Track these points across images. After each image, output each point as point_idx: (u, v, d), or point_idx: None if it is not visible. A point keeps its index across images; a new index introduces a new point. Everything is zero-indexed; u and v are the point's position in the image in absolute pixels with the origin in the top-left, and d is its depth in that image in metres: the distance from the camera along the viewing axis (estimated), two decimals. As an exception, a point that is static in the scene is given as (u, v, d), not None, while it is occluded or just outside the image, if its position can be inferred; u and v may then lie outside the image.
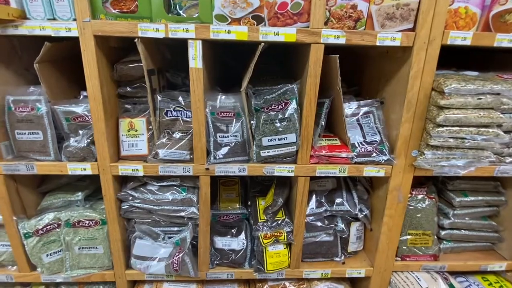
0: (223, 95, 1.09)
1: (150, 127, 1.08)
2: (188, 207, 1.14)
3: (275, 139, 1.02)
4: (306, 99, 0.99)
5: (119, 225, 1.11)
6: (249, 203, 1.36)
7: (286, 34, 0.92)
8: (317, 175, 1.07)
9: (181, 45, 0.98)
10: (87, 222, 1.10)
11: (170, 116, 1.07)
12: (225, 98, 1.09)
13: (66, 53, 1.07)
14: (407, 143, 1.07)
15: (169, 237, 1.20)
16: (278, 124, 1.01)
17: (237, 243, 1.23)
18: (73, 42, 0.92)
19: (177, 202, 1.12)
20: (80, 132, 1.05)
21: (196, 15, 0.97)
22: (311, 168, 1.07)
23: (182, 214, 1.13)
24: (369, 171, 1.08)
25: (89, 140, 1.02)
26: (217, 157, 1.05)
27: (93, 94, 0.95)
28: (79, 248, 1.12)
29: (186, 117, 1.08)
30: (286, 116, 1.01)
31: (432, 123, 1.02)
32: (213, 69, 1.23)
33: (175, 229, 1.20)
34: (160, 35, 0.91)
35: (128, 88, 1.07)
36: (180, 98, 1.09)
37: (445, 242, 1.32)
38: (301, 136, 1.03)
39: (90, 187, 1.24)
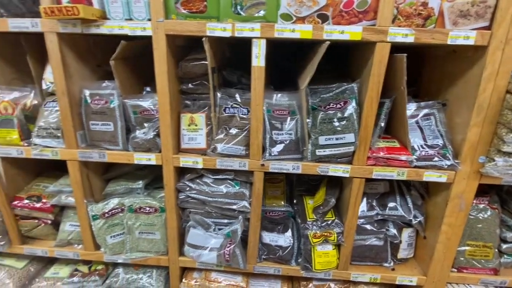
0: (278, 93, 1.10)
1: (209, 122, 1.13)
2: (240, 201, 1.17)
3: (332, 139, 1.01)
4: (367, 99, 0.97)
5: (176, 214, 1.17)
6: (294, 201, 1.37)
7: (352, 32, 0.91)
8: (373, 177, 1.05)
9: (238, 44, 1.01)
10: (148, 209, 1.18)
11: (228, 113, 1.11)
12: (280, 96, 1.11)
13: (133, 51, 1.15)
14: (474, 148, 1.00)
15: (219, 229, 1.25)
16: (337, 124, 1.00)
17: (283, 239, 1.24)
18: (139, 41, 0.99)
19: (230, 195, 1.16)
20: (146, 125, 1.12)
21: (256, 14, 0.99)
22: (368, 169, 1.04)
23: (234, 207, 1.17)
24: (430, 176, 1.04)
25: (155, 133, 1.09)
26: (272, 154, 1.06)
27: (162, 90, 1.02)
28: (139, 233, 1.20)
29: (242, 114, 1.11)
30: (345, 115, 1.00)
31: (505, 128, 0.95)
32: (267, 67, 1.25)
33: (225, 221, 1.25)
34: (227, 34, 0.94)
35: (190, 85, 1.13)
36: (237, 96, 1.13)
37: (506, 256, 1.23)
38: (359, 136, 1.01)
39: (148, 176, 1.32)
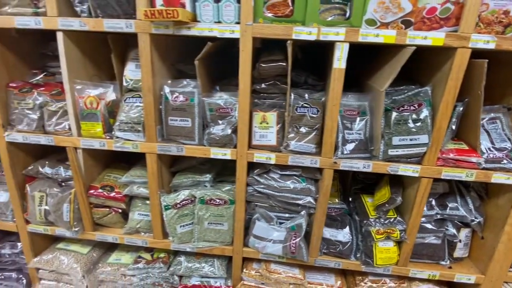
0: (349, 94, 1.15)
1: (279, 120, 1.19)
2: (306, 196, 1.23)
3: (406, 139, 1.05)
4: (443, 102, 1.01)
5: (244, 207, 1.24)
6: (350, 199, 1.42)
7: (434, 38, 0.95)
8: (442, 177, 1.09)
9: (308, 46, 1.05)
10: (218, 200, 1.25)
11: (299, 112, 1.16)
12: (351, 96, 1.16)
13: (210, 52, 1.22)
14: (545, 152, 1.03)
15: (280, 222, 1.31)
16: (412, 125, 1.04)
17: (342, 235, 1.30)
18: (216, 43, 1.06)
19: (297, 190, 1.22)
20: (220, 122, 1.19)
21: (330, 18, 1.04)
22: (437, 170, 1.09)
23: (299, 202, 1.23)
24: (498, 178, 1.07)
25: (231, 129, 1.16)
26: (344, 152, 1.12)
27: (244, 89, 1.08)
28: (208, 223, 1.27)
29: (312, 113, 1.16)
30: (420, 117, 1.04)
31: None
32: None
33: (286, 215, 1.31)
34: (312, 37, 0.99)
35: (263, 84, 1.18)
36: (306, 96, 1.18)
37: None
38: (432, 137, 1.05)
39: (212, 170, 1.39)
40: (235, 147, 1.17)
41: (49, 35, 1.40)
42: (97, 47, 1.30)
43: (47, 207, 1.34)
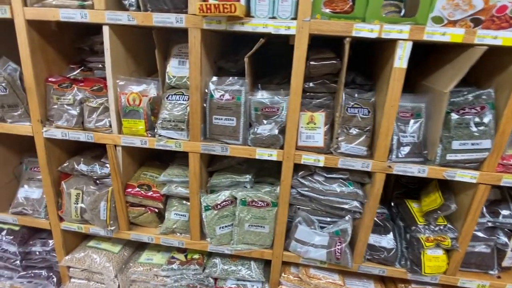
0: (404, 94, 1.11)
1: (327, 121, 1.14)
2: (352, 201, 1.19)
3: (467, 144, 1.01)
4: (508, 105, 0.96)
5: (287, 209, 1.20)
6: (392, 204, 1.38)
7: (505, 38, 0.90)
8: (501, 184, 1.04)
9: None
10: (260, 202, 1.21)
11: (350, 113, 1.12)
12: (405, 97, 1.11)
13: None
14: None
15: (321, 226, 1.27)
16: (474, 129, 1.00)
17: (386, 241, 1.25)
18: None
19: (343, 194, 1.18)
20: (265, 121, 1.15)
21: (383, 15, 0.99)
22: (497, 176, 1.04)
23: (345, 206, 1.19)
24: (563, 186, 1.02)
25: (279, 129, 1.12)
26: (399, 156, 1.07)
27: (296, 89, 1.04)
28: (249, 225, 1.24)
29: (363, 114, 1.12)
30: (483, 120, 0.99)
31: None
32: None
33: (327, 219, 1.27)
34: (373, 35, 0.95)
35: (311, 83, 1.14)
36: (356, 95, 1.14)
37: None
38: (494, 142, 1.00)
39: (251, 171, 1.35)
40: (281, 147, 1.14)
41: (87, 30, 1.39)
42: (138, 42, 1.27)
43: (83, 205, 1.32)
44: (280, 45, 1.34)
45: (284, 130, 1.13)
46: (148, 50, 1.27)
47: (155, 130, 1.18)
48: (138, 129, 1.18)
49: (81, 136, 1.22)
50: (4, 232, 1.48)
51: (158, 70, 1.20)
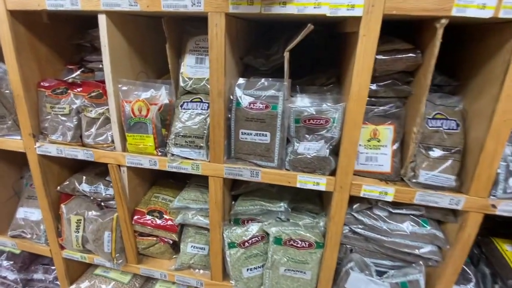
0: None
1: (396, 137, 0.84)
2: (426, 245, 0.88)
3: None
4: None
5: (336, 252, 0.92)
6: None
7: None
8: None
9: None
10: (300, 242, 0.93)
11: (431, 127, 0.80)
12: None
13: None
14: None
15: (378, 271, 0.98)
16: None
17: (469, 295, 0.94)
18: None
19: (415, 236, 0.87)
20: (307, 136, 0.86)
21: None
22: None
23: (416, 252, 0.88)
24: None
25: (329, 149, 0.83)
26: (508, 191, 0.75)
27: (359, 93, 0.73)
28: (284, 270, 0.97)
29: (449, 128, 0.80)
30: None
31: None
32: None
33: (388, 262, 0.97)
34: (487, 13, 0.63)
35: (374, 86, 0.83)
36: (438, 102, 0.82)
37: None
38: None
39: (284, 196, 1.07)
40: (331, 173, 0.85)
41: (87, 22, 1.16)
42: (145, 37, 1.02)
43: (85, 234, 1.11)
44: (319, 34, 1.04)
45: (336, 150, 0.84)
46: (158, 46, 1.02)
47: (167, 148, 0.93)
48: (146, 146, 0.93)
49: (79, 154, 0.99)
50: (3, 256, 1.32)
51: (170, 71, 0.94)
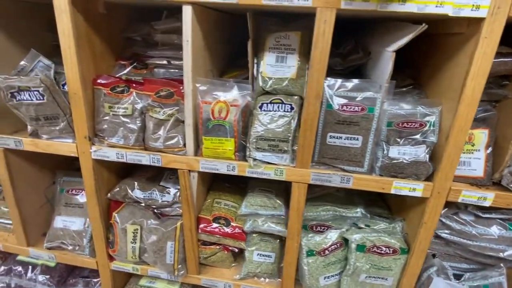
0: None
1: (489, 142, 0.83)
2: (510, 247, 0.88)
3: None
4: None
5: (423, 258, 0.90)
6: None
7: None
8: None
9: None
10: (384, 249, 0.91)
11: (528, 130, 0.80)
12: None
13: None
14: None
15: (455, 274, 0.97)
16: None
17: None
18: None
19: (503, 239, 0.87)
20: (399, 141, 0.83)
21: None
22: None
23: (500, 254, 0.89)
24: None
25: (429, 154, 0.80)
26: None
27: (472, 97, 0.71)
28: (366, 277, 0.94)
29: (543, 133, 0.80)
30: None
31: None
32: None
33: (463, 265, 0.97)
34: None
35: (470, 88, 0.82)
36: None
37: None
38: None
39: (354, 199, 1.05)
40: (426, 179, 0.82)
41: (139, 14, 1.07)
42: (213, 31, 0.94)
43: (143, 245, 1.02)
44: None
45: (432, 155, 0.82)
46: (221, 42, 0.95)
47: (247, 152, 0.87)
48: (225, 150, 0.86)
49: (144, 159, 0.91)
50: (37, 270, 1.20)
51: (249, 69, 0.88)
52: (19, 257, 1.23)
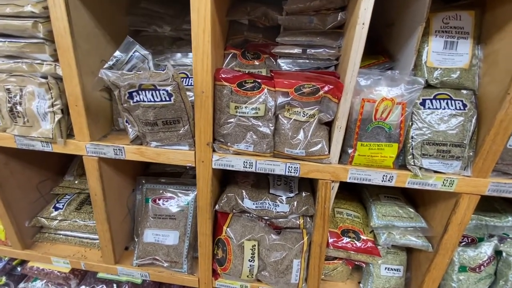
0: None
1: None
2: None
3: None
4: None
5: None
6: None
7: None
8: None
9: None
10: (552, 264, 0.81)
11: None
12: None
13: None
14: None
15: None
16: None
17: None
18: None
19: None
20: None
21: None
22: None
23: None
24: None
25: None
26: None
27: None
28: (524, 294, 0.85)
29: None
30: None
31: None
32: None
33: None
34: None
35: None
36: None
37: None
38: None
39: (498, 207, 0.93)
40: None
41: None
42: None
43: (262, 262, 0.90)
44: None
45: None
46: None
47: (409, 159, 0.73)
48: (384, 158, 0.72)
49: (277, 168, 0.76)
50: (124, 288, 1.08)
51: (412, 59, 0.72)
52: (100, 275, 1.11)
